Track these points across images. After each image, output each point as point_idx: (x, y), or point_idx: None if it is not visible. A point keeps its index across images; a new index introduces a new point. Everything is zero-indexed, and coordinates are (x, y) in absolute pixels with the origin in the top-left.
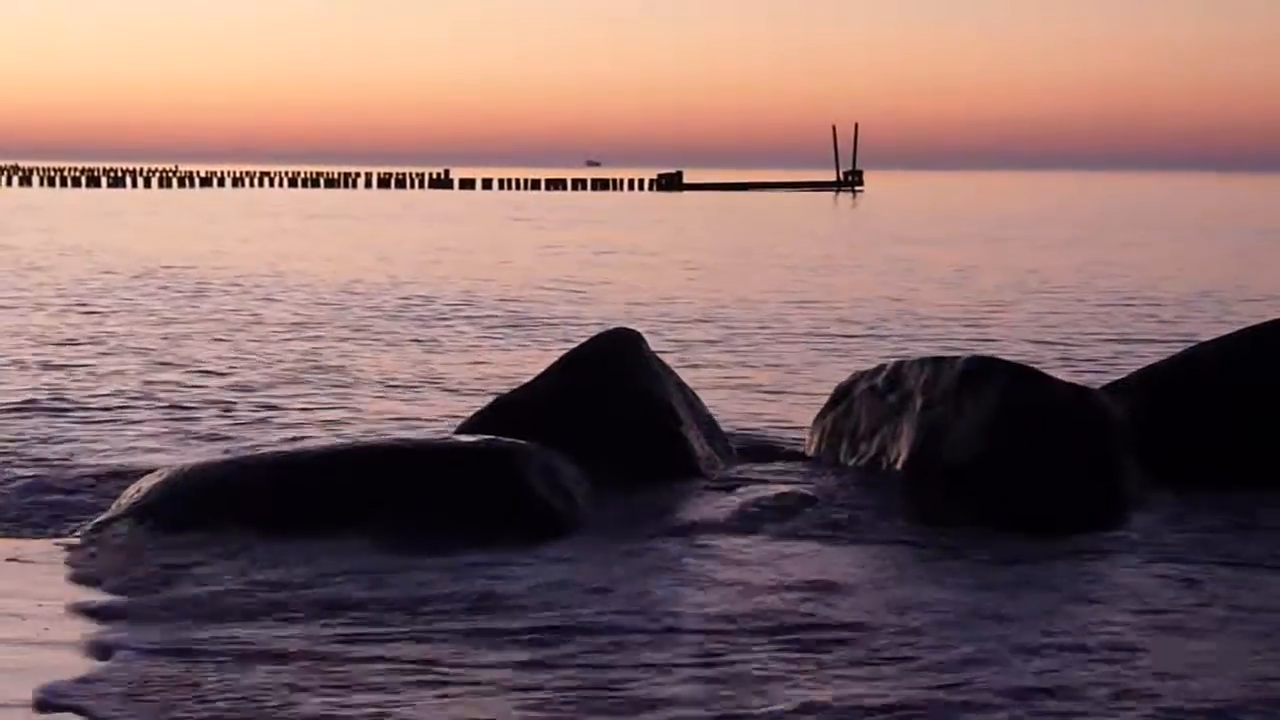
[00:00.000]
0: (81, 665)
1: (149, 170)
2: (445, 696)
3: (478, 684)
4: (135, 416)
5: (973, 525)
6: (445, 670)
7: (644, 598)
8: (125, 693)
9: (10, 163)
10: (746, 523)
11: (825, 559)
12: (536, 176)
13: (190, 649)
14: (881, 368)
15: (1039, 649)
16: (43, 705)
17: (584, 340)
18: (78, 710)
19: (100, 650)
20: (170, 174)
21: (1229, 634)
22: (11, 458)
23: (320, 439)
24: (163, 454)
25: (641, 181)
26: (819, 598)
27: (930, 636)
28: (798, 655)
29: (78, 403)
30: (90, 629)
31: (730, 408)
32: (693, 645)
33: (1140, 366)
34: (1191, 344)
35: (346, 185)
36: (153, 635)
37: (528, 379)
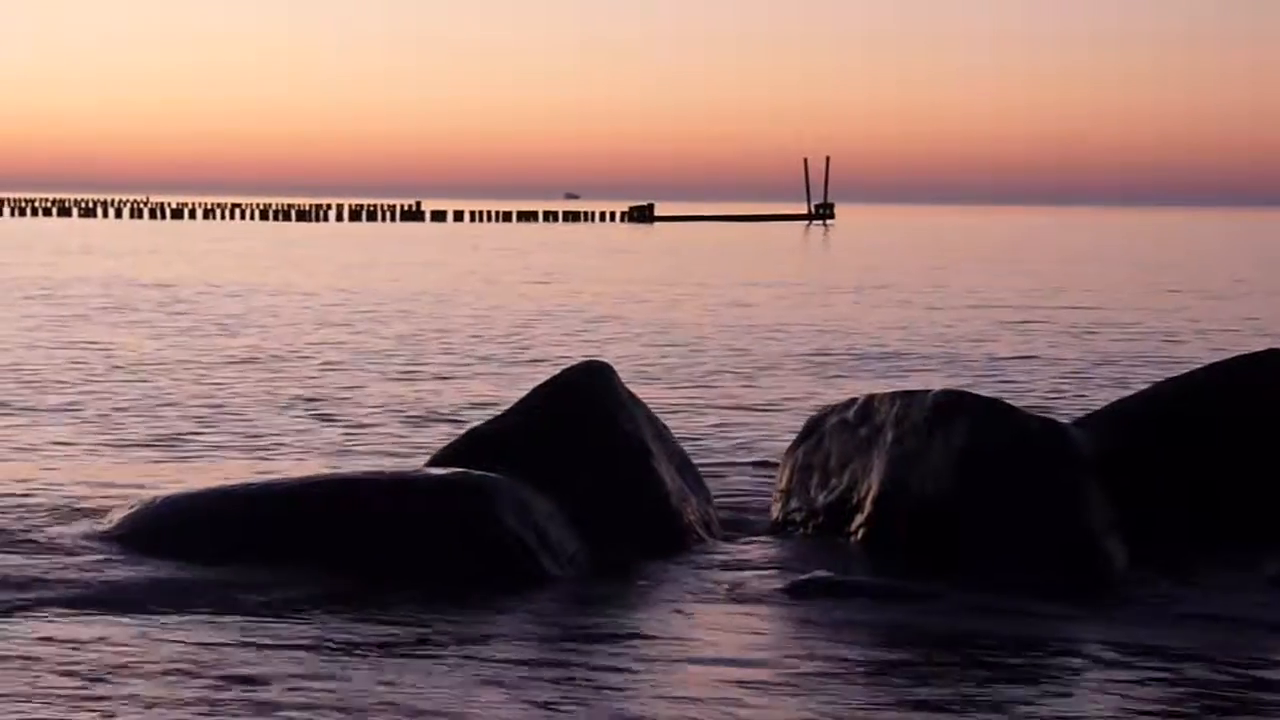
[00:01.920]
0: None
1: (120, 201)
2: None
3: None
4: (115, 442)
5: (938, 568)
6: None
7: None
8: None
9: None
10: (702, 563)
11: (783, 620)
12: (508, 209)
13: None
14: (853, 401)
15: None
16: None
17: (556, 372)
18: None
19: None
20: (141, 205)
21: (1199, 688)
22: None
23: (291, 470)
24: (131, 479)
25: (613, 214)
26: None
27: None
28: None
29: (61, 428)
30: None
31: (702, 441)
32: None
33: (1111, 400)
34: (1163, 378)
35: (317, 218)
36: None
37: (499, 411)
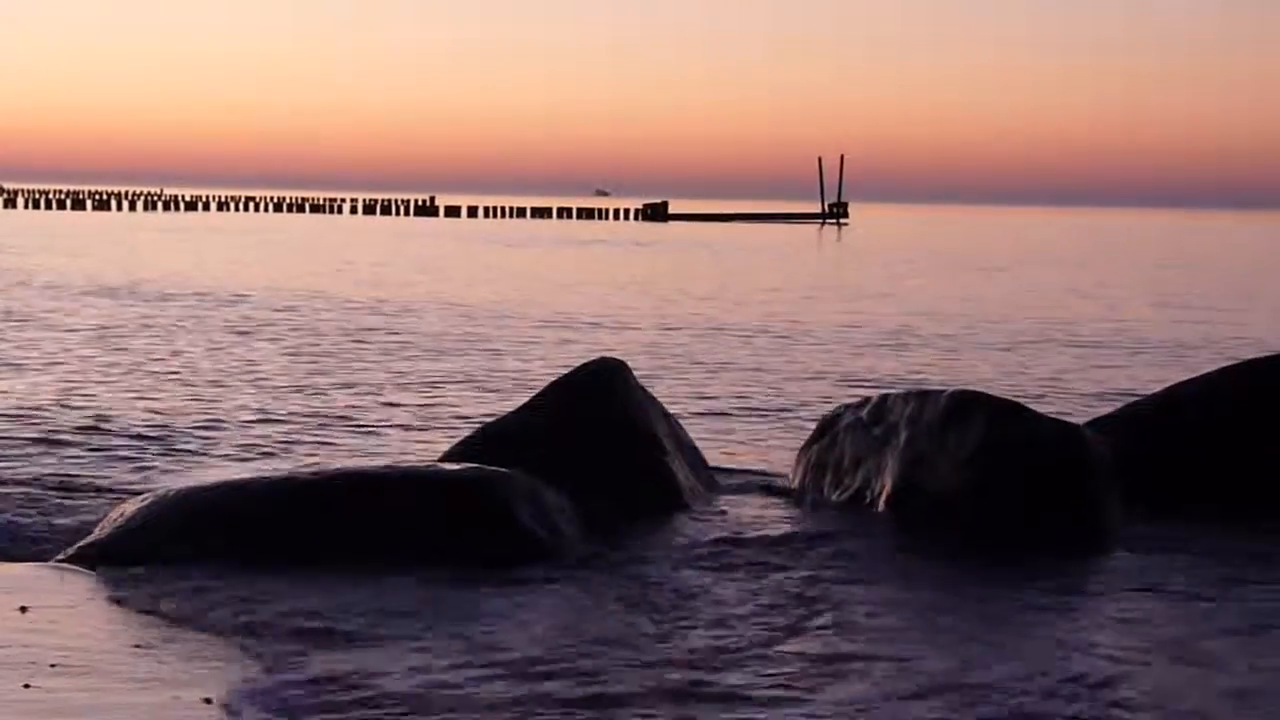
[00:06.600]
0: None
1: (134, 193)
2: None
3: None
4: (122, 439)
5: (953, 560)
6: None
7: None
8: None
9: None
10: (720, 558)
11: (800, 599)
12: (522, 204)
13: None
14: (866, 400)
15: (1008, 685)
16: None
17: (570, 369)
18: None
19: None
20: (155, 197)
21: (1205, 664)
22: (4, 473)
23: (303, 467)
24: (145, 475)
25: (628, 211)
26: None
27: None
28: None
29: (71, 424)
30: None
31: (715, 438)
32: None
33: (1124, 403)
34: (1174, 381)
35: (332, 211)
36: None
37: (513, 407)
